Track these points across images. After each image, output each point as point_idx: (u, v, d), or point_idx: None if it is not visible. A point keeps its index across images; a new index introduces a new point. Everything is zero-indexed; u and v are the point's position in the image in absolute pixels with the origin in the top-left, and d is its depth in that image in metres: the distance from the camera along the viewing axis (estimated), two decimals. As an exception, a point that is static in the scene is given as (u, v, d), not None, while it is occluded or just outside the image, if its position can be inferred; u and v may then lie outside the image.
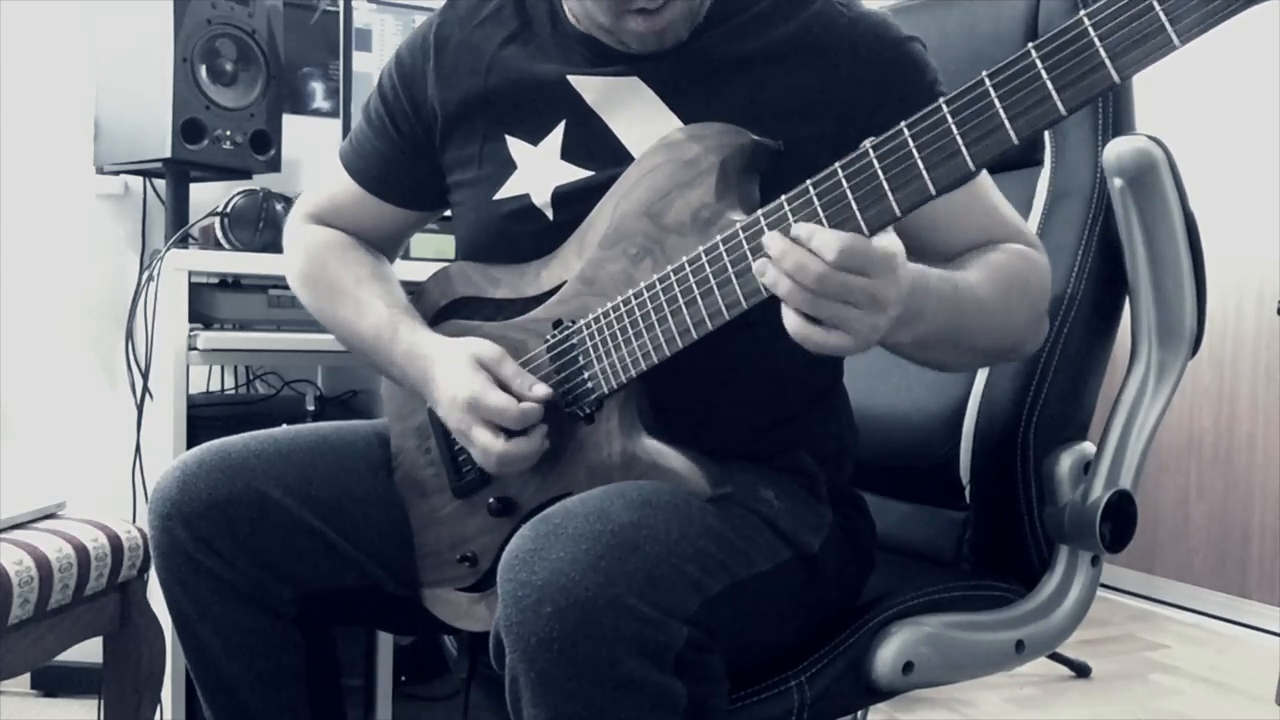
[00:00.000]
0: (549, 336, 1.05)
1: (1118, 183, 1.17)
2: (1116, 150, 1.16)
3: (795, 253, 0.83)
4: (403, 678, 2.14)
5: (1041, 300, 1.06)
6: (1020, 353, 1.10)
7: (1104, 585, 2.45)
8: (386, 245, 1.28)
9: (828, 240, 0.82)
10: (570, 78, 1.08)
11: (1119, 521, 1.16)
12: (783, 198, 0.89)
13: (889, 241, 0.84)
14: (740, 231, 0.91)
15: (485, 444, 1.01)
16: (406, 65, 1.18)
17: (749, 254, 0.90)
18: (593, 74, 1.08)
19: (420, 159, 1.19)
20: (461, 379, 1.03)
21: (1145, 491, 2.61)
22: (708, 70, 1.06)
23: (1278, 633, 2.97)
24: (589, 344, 1.01)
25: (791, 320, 0.85)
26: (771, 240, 0.85)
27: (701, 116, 1.01)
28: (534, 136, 1.10)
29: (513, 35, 1.12)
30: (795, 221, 0.86)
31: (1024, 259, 1.04)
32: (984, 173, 1.05)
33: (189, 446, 1.66)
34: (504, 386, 1.02)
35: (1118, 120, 1.24)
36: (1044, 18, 1.26)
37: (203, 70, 1.90)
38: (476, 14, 1.15)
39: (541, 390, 1.01)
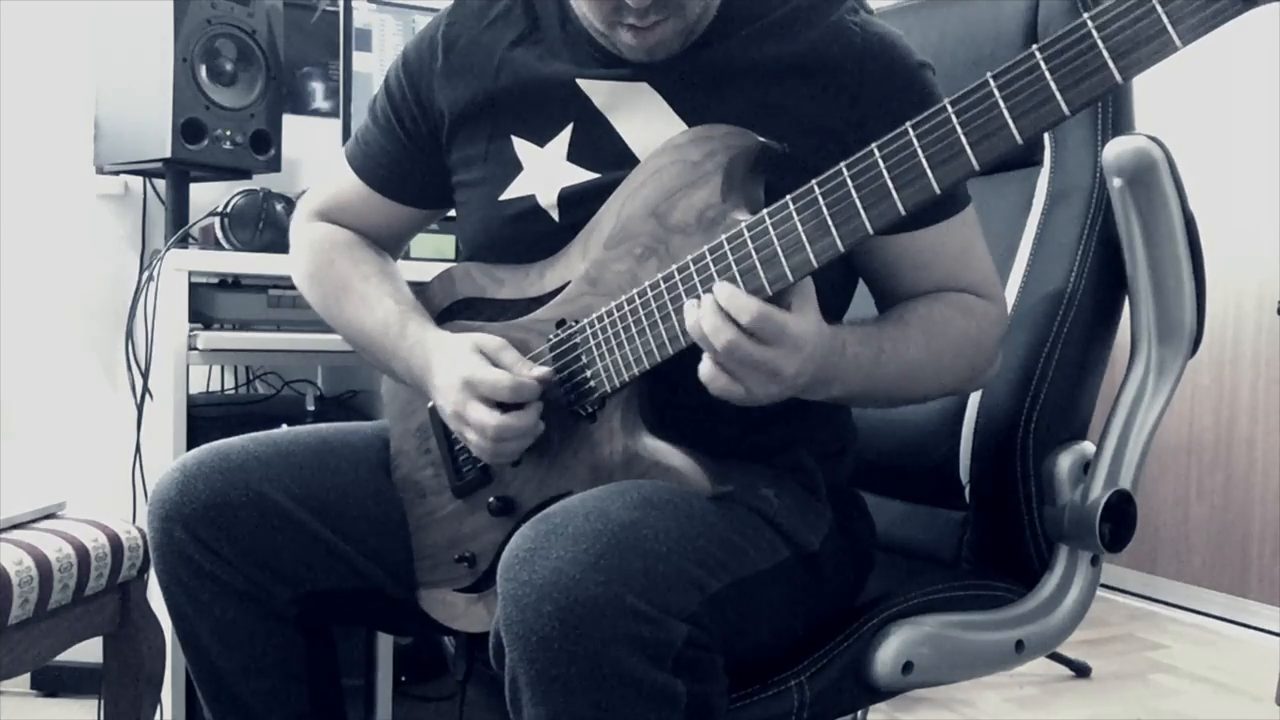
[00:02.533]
0: (552, 336, 1.05)
1: (1117, 182, 1.17)
2: (1116, 150, 1.17)
3: (715, 315, 0.88)
4: (403, 678, 2.14)
5: (983, 354, 1.07)
6: (956, 394, 1.18)
7: (1104, 585, 2.45)
8: (391, 244, 1.28)
9: (744, 305, 0.87)
10: (580, 80, 1.08)
11: (1119, 521, 1.16)
12: (788, 197, 0.89)
13: (807, 322, 0.90)
14: (745, 231, 0.91)
15: (480, 419, 1.01)
16: (414, 64, 1.18)
17: (753, 253, 0.90)
18: (602, 77, 1.08)
19: (427, 158, 1.19)
20: (459, 361, 1.04)
21: (1145, 491, 2.61)
22: (716, 78, 1.05)
23: (1278, 633, 2.97)
24: (592, 343, 1.01)
25: (705, 366, 0.91)
26: (689, 308, 0.91)
27: (708, 123, 1.01)
28: (541, 138, 1.10)
29: (522, 36, 1.12)
30: (721, 281, 0.91)
31: (970, 315, 1.05)
32: (968, 209, 1.07)
33: (189, 446, 1.67)
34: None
35: (1117, 120, 1.24)
36: (1043, 18, 1.26)
37: (203, 70, 1.90)
38: (485, 14, 1.15)
39: (540, 370, 1.02)
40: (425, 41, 1.17)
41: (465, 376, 1.02)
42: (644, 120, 1.06)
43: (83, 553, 1.34)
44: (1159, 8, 0.73)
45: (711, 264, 0.93)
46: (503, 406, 1.01)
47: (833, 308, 1.09)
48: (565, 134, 1.09)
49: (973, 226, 1.08)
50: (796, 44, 1.05)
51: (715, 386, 0.91)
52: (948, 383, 1.07)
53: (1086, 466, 1.20)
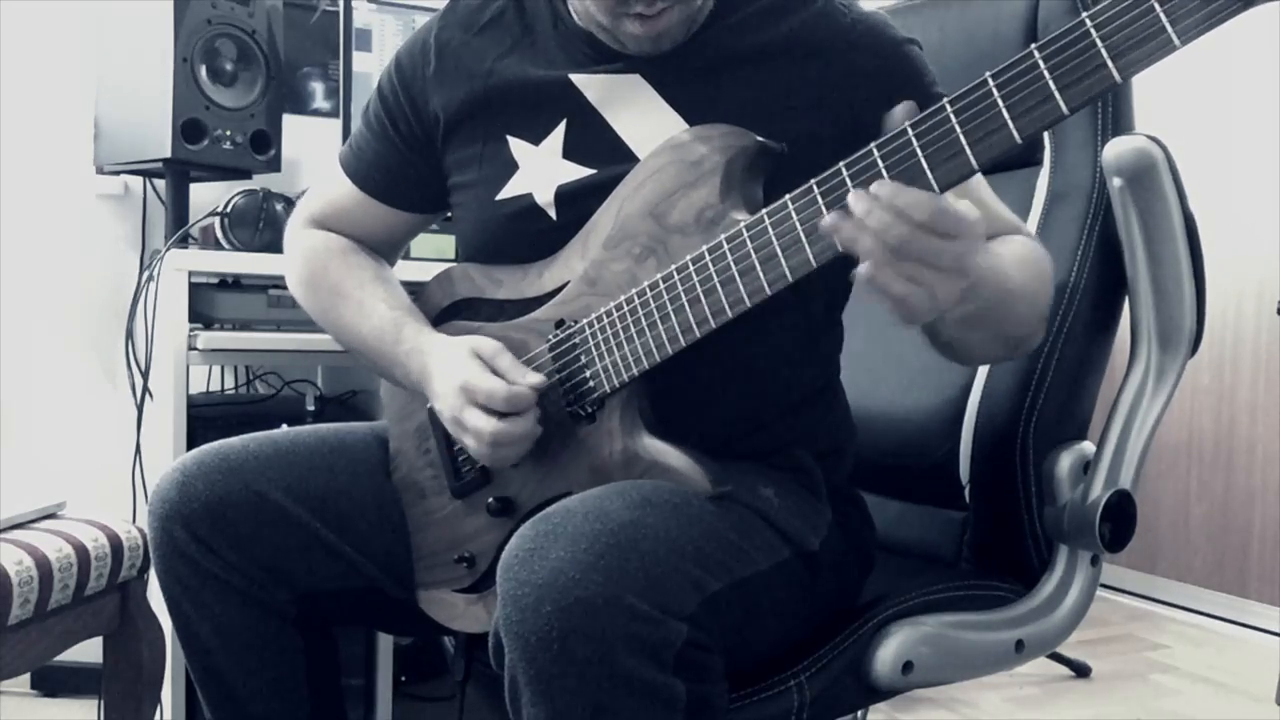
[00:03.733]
0: (551, 336, 1.05)
1: (1117, 182, 1.17)
2: (1116, 150, 1.17)
3: (880, 212, 0.79)
4: (403, 678, 2.14)
5: (1050, 290, 1.06)
6: (1027, 346, 1.07)
7: (1104, 585, 2.46)
8: (387, 248, 1.28)
9: (918, 200, 0.79)
10: (573, 76, 1.08)
11: (1118, 521, 1.16)
12: (787, 197, 0.89)
13: (971, 210, 0.82)
14: (744, 230, 0.91)
15: (477, 425, 1.01)
16: (406, 69, 1.18)
17: (752, 253, 0.90)
18: (595, 72, 1.08)
19: (421, 162, 1.19)
20: (457, 366, 1.04)
21: (1145, 491, 2.61)
22: (708, 67, 1.06)
23: (1278, 633, 2.97)
24: (591, 343, 1.01)
25: (876, 274, 0.81)
26: (856, 199, 0.81)
27: (701, 113, 1.02)
28: (535, 136, 1.10)
29: (515, 40, 1.13)
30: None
31: (1036, 249, 1.05)
32: (977, 174, 1.05)
33: (189, 446, 1.67)
34: (499, 376, 1.02)
35: (1117, 120, 1.24)
36: (1043, 18, 1.26)
37: (203, 70, 1.90)
38: (477, 19, 1.15)
39: (535, 378, 1.01)
40: (418, 45, 1.18)
41: (461, 382, 1.02)
42: (638, 113, 1.06)
43: (83, 553, 1.34)
44: (1157, 7, 0.73)
45: (710, 264, 0.93)
46: (500, 413, 1.01)
47: (837, 289, 1.09)
48: (559, 131, 1.09)
49: (984, 187, 1.08)
50: (785, 28, 1.05)
51: (893, 291, 0.81)
52: (1037, 316, 1.02)
53: (1086, 466, 1.20)
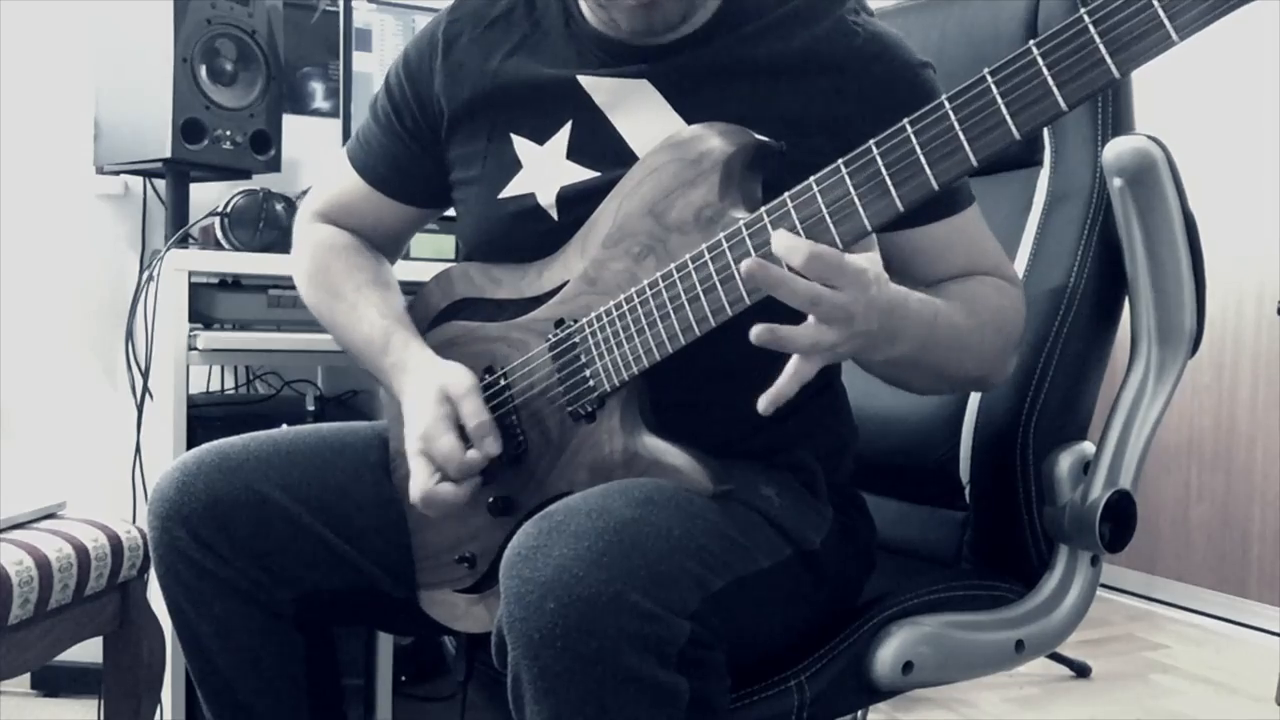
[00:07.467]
0: (550, 335, 1.05)
1: (1117, 182, 1.17)
2: (1116, 150, 1.17)
3: (772, 269, 0.85)
4: (403, 678, 2.14)
5: (1014, 336, 1.06)
6: (985, 385, 1.12)
7: (1104, 585, 2.45)
8: (390, 243, 1.28)
9: (795, 245, 0.84)
10: (581, 78, 1.08)
11: (1119, 521, 1.16)
12: (786, 195, 0.89)
13: (869, 261, 0.86)
14: (744, 229, 0.91)
15: (418, 475, 1.03)
16: (413, 63, 1.18)
17: (752, 251, 0.90)
18: (603, 75, 1.08)
19: (426, 156, 1.19)
20: (425, 408, 1.05)
21: (1145, 491, 2.62)
22: (717, 76, 1.05)
23: (1278, 633, 2.97)
24: (590, 342, 1.01)
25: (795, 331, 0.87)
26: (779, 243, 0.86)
27: (707, 121, 1.01)
28: (540, 136, 1.10)
29: (524, 37, 1.13)
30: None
31: (1001, 293, 1.06)
32: (973, 206, 1.08)
33: (189, 446, 1.67)
34: (461, 424, 1.04)
35: (1117, 120, 1.24)
36: (1044, 17, 1.26)
37: (203, 70, 1.90)
38: (487, 14, 1.15)
39: (491, 446, 1.03)
40: (426, 40, 1.18)
41: (423, 433, 1.04)
42: (644, 118, 1.06)
43: (83, 553, 1.34)
44: (1155, 2, 0.73)
45: (710, 262, 0.93)
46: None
47: None
48: (564, 132, 1.09)
49: (981, 221, 1.09)
50: (798, 42, 1.05)
51: (803, 343, 0.87)
52: (987, 358, 1.04)
53: (1086, 466, 1.20)
